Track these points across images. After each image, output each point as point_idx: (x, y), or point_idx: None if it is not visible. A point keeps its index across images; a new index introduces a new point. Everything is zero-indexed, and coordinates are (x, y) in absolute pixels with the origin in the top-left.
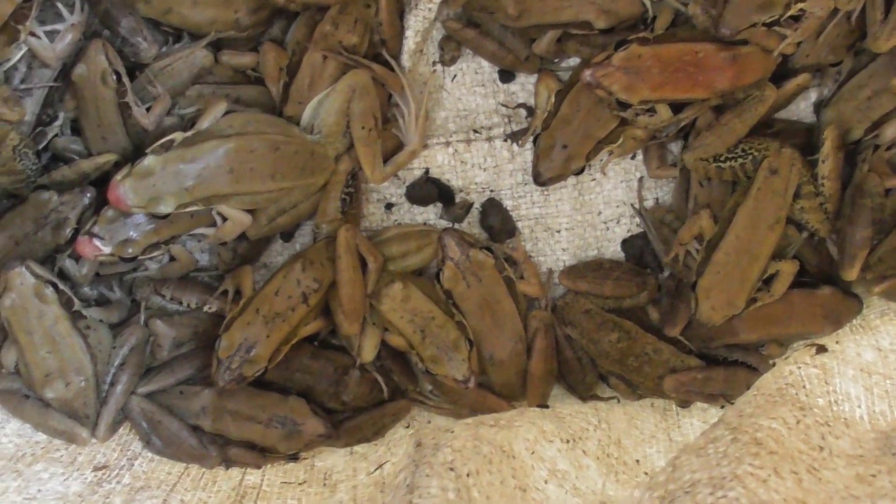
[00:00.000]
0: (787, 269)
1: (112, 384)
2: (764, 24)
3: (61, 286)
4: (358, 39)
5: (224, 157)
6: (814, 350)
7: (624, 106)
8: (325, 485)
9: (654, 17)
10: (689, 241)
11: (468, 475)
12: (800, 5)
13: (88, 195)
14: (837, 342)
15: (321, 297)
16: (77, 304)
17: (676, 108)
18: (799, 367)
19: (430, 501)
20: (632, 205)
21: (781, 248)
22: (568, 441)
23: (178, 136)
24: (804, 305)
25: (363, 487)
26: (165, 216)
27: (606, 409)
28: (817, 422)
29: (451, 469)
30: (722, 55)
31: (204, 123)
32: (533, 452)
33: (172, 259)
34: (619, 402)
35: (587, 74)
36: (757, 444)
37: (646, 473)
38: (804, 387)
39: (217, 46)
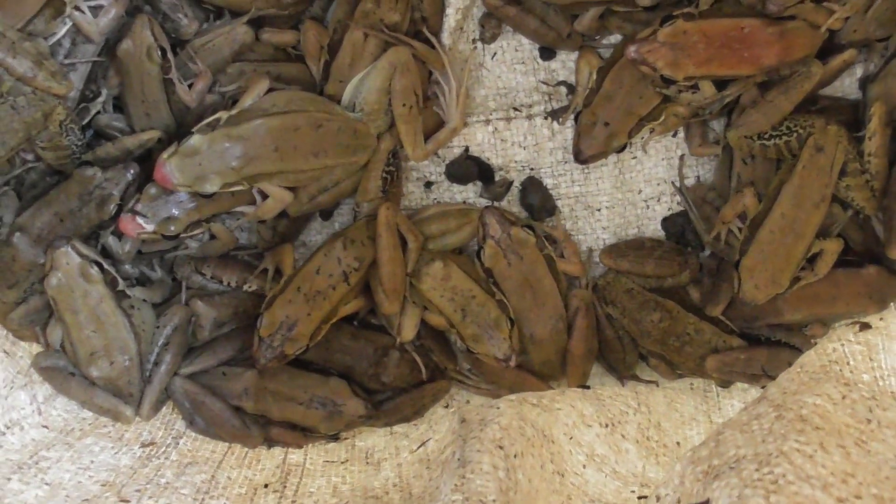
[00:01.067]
0: (832, 247)
1: (156, 364)
2: (811, 0)
3: (106, 266)
4: (399, 17)
5: (269, 136)
6: (857, 327)
7: (668, 82)
8: (367, 463)
9: None
10: (732, 219)
11: (515, 456)
12: None
13: (132, 171)
14: (881, 318)
15: (362, 275)
16: (122, 284)
17: (720, 84)
18: (842, 345)
19: (483, 478)
20: (672, 182)
21: (826, 227)
22: (607, 426)
23: (223, 114)
24: (849, 285)
25: (407, 465)
26: (210, 195)
27: (646, 392)
28: (863, 396)
29: (500, 447)
30: (769, 31)
31: (247, 101)
32: (571, 438)
33: (213, 237)
34: (658, 386)
35: (632, 50)
36: (802, 420)
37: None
38: (848, 363)
39: (258, 24)
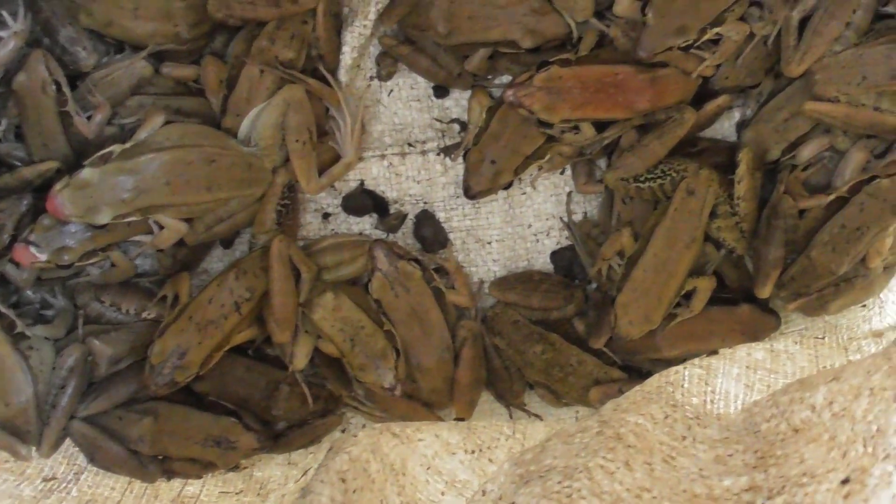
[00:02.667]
0: (705, 285)
1: (53, 406)
2: (679, 48)
3: (3, 309)
4: (294, 54)
5: (160, 170)
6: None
7: (545, 125)
8: (258, 494)
9: (580, 38)
10: (612, 256)
11: (354, 491)
12: (716, 30)
13: (25, 202)
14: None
15: (254, 305)
16: (20, 326)
17: (601, 126)
18: (685, 367)
19: None
20: (560, 218)
21: (700, 265)
22: (473, 451)
23: (116, 148)
24: (723, 322)
25: (290, 495)
26: (102, 226)
27: (527, 421)
28: (686, 416)
29: (343, 480)
30: (641, 77)
31: (142, 135)
32: (429, 468)
33: (113, 265)
34: (542, 420)
35: (509, 94)
36: (617, 438)
37: None
38: (682, 385)
39: (159, 58)
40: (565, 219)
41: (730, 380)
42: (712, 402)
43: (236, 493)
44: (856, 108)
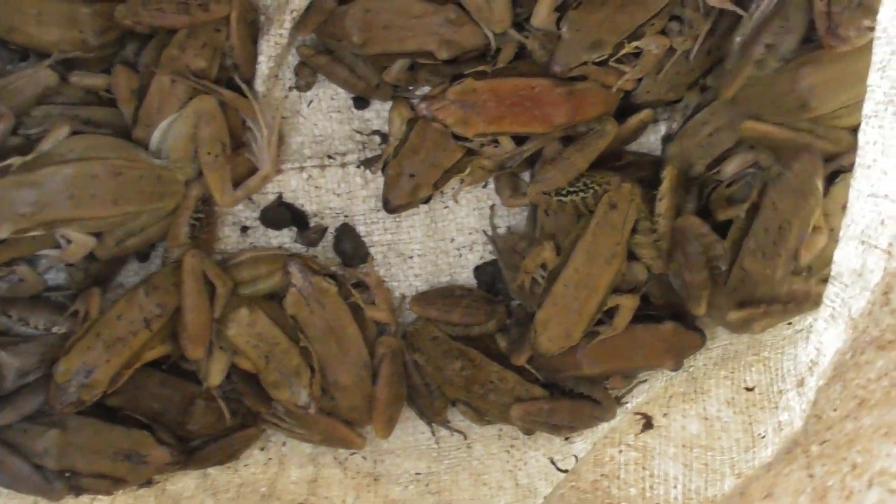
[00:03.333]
0: (628, 303)
1: None
2: (595, 63)
3: None
4: (206, 64)
5: (63, 184)
6: (640, 426)
7: (461, 139)
8: None
9: (499, 50)
10: (534, 270)
11: None
12: (635, 44)
13: None
14: (665, 414)
15: (165, 321)
16: None
17: (521, 139)
18: (620, 452)
19: None
20: (484, 231)
21: (628, 283)
22: None
23: (15, 160)
24: (647, 340)
25: None
26: (2, 241)
27: (449, 481)
28: None
29: None
30: (558, 90)
31: (44, 146)
32: None
33: (21, 279)
34: (465, 438)
35: (422, 107)
36: None
37: None
38: (618, 477)
39: (70, 67)
40: (489, 232)
41: (666, 460)
42: (651, 487)
43: None
44: (793, 132)
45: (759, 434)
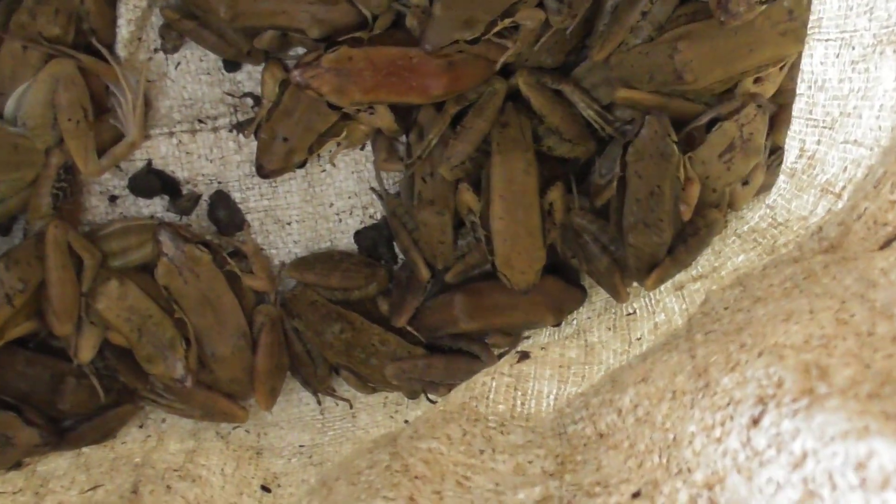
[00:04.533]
0: (558, 194)
1: None
2: (466, 42)
3: None
4: (60, 30)
5: None
6: (517, 358)
7: (335, 107)
8: (37, 493)
9: (376, 18)
10: (467, 215)
11: None
12: (507, 21)
13: None
14: (543, 348)
15: (28, 297)
16: None
17: (396, 108)
18: (492, 378)
19: None
20: (372, 188)
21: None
22: None
23: None
24: (527, 295)
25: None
26: None
27: (333, 452)
28: (488, 427)
29: None
30: (437, 62)
31: None
32: None
33: None
34: (351, 407)
35: (296, 75)
36: (404, 471)
37: None
38: (487, 397)
39: None
40: (377, 188)
41: (542, 381)
42: (522, 404)
43: (14, 493)
44: (667, 98)
45: (636, 338)
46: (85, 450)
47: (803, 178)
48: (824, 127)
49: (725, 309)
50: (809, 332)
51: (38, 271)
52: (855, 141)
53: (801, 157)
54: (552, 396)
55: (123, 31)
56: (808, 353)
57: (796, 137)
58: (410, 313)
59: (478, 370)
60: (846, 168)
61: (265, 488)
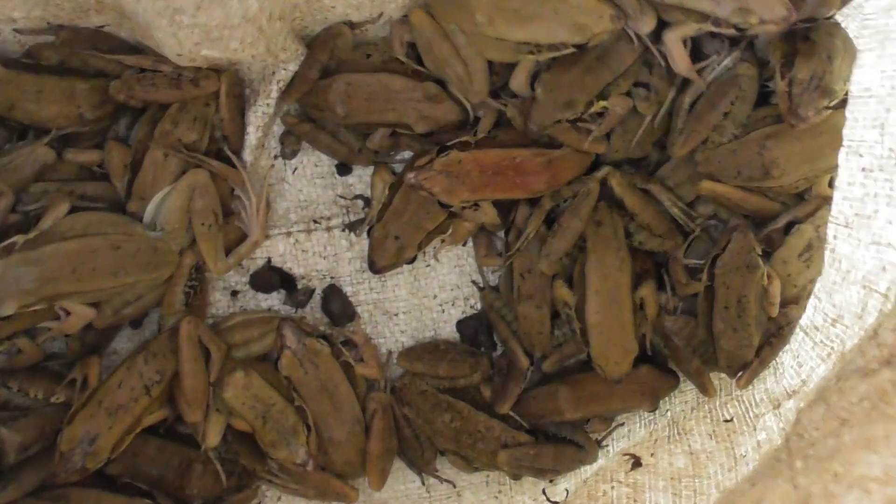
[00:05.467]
0: (649, 290)
1: None
2: (568, 121)
3: None
4: (197, 136)
5: (66, 259)
6: (629, 465)
7: (445, 205)
8: None
9: (477, 119)
10: (563, 308)
11: None
12: (602, 103)
13: None
14: (652, 454)
15: (164, 387)
16: None
17: (499, 204)
18: (612, 487)
19: None
20: (472, 281)
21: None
22: None
23: (19, 238)
24: (623, 383)
25: None
26: (7, 317)
27: None
28: None
29: None
30: (538, 160)
31: (46, 224)
32: None
33: (20, 351)
34: (454, 486)
35: (410, 177)
36: None
37: None
38: None
39: (63, 143)
40: (479, 283)
41: (657, 492)
42: None
43: None
44: (748, 193)
45: (741, 454)
46: None
47: (831, 271)
48: (837, 224)
49: (817, 430)
50: (887, 462)
51: (172, 363)
52: (889, 244)
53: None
54: None
55: (251, 137)
56: (891, 486)
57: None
58: (514, 400)
59: (581, 460)
60: (885, 268)
61: None
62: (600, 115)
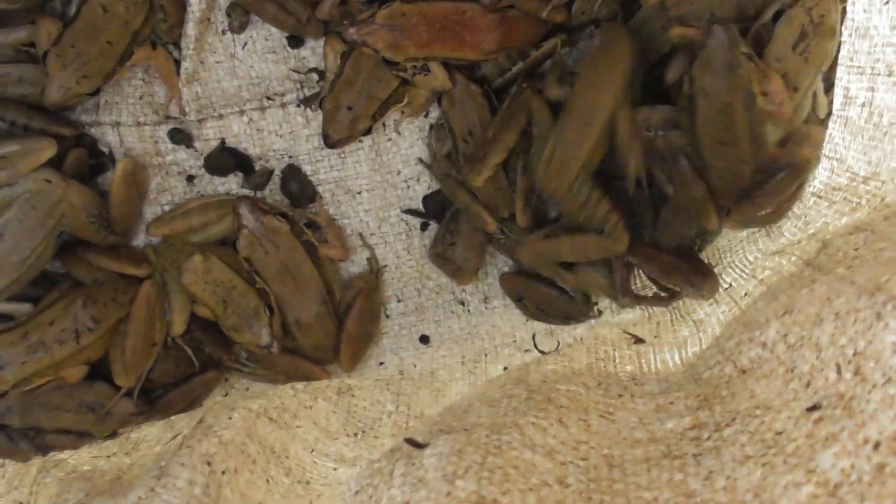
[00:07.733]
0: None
1: None
2: None
3: None
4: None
5: None
6: (632, 340)
7: (392, 64)
8: (127, 454)
9: None
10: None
11: (223, 472)
12: None
13: None
14: (656, 336)
15: (94, 339)
16: None
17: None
18: (614, 349)
19: (173, 493)
20: (419, 159)
21: None
22: (356, 434)
23: None
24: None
25: (152, 456)
26: None
27: (411, 391)
28: (621, 380)
29: (208, 463)
30: (490, 16)
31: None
32: (313, 451)
33: None
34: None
35: (352, 32)
36: (548, 401)
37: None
38: (613, 360)
39: None
40: (425, 159)
41: (663, 355)
42: (649, 364)
43: (108, 457)
44: None
45: (742, 295)
46: (174, 418)
47: (868, 126)
48: (875, 74)
49: (856, 250)
50: None
51: (111, 316)
52: None
53: (847, 104)
54: (677, 357)
55: (195, 9)
56: None
57: (839, 84)
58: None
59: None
60: None
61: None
62: None
